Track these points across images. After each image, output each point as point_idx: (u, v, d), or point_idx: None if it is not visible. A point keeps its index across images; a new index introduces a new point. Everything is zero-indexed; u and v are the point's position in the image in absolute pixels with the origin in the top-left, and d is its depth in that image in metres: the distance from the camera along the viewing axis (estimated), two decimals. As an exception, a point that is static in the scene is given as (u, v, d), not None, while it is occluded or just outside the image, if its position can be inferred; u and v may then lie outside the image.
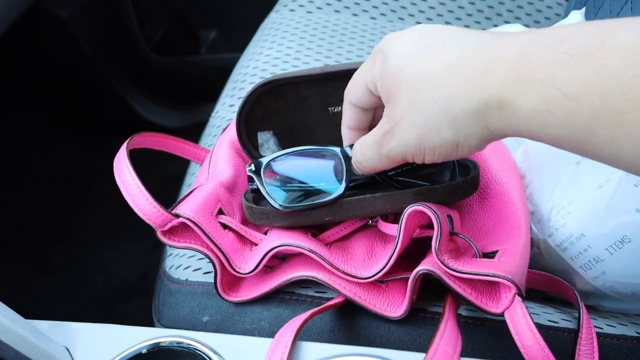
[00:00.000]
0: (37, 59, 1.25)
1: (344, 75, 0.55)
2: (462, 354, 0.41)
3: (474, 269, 0.43)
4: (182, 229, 0.49)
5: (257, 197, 0.54)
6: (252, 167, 0.49)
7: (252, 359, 0.43)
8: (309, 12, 0.91)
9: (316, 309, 0.47)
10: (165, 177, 1.03)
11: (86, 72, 1.27)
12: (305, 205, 0.49)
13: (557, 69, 0.32)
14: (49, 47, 1.23)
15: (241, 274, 0.49)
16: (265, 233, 0.52)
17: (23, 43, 1.19)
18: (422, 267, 0.44)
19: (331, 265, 0.47)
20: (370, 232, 0.52)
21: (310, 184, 0.50)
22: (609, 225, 0.50)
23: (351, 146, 0.47)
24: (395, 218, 0.51)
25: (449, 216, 0.47)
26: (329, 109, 0.58)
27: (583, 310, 0.48)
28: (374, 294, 0.49)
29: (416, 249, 0.49)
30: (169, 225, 0.47)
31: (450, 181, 0.50)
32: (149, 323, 0.57)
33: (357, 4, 0.92)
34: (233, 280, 0.52)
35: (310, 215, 0.49)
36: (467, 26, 0.91)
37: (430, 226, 0.46)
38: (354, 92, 0.45)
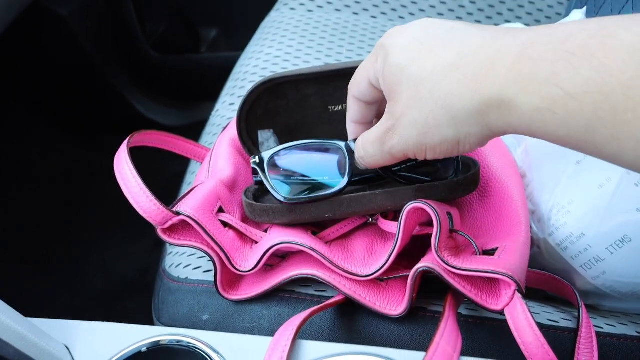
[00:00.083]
0: (37, 57, 1.25)
1: (344, 74, 0.55)
2: (462, 353, 0.41)
3: (474, 266, 0.43)
4: (182, 227, 0.49)
5: (257, 194, 0.54)
6: (257, 159, 0.50)
7: (252, 357, 0.43)
8: (309, 10, 0.91)
9: (316, 307, 0.47)
10: (165, 176, 1.03)
11: (86, 71, 1.27)
12: (307, 197, 0.49)
13: (558, 68, 0.32)
14: (49, 45, 1.23)
15: (241, 272, 0.49)
16: (266, 231, 0.52)
17: (23, 42, 1.19)
18: (422, 264, 0.44)
19: (331, 263, 0.47)
20: (371, 230, 0.52)
21: (314, 177, 0.51)
22: (610, 225, 0.50)
23: (355, 141, 0.47)
24: (395, 216, 0.51)
25: (449, 213, 0.47)
26: (330, 107, 0.58)
27: (583, 309, 0.48)
28: (374, 292, 0.49)
29: (416, 247, 0.49)
30: (170, 223, 0.47)
31: (451, 178, 0.50)
32: (149, 321, 0.57)
33: (357, 2, 0.92)
34: (233, 279, 0.52)
35: (311, 211, 0.49)
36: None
37: (430, 224, 0.46)
38: (358, 87, 0.45)
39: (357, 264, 0.49)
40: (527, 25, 0.76)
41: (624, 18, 0.31)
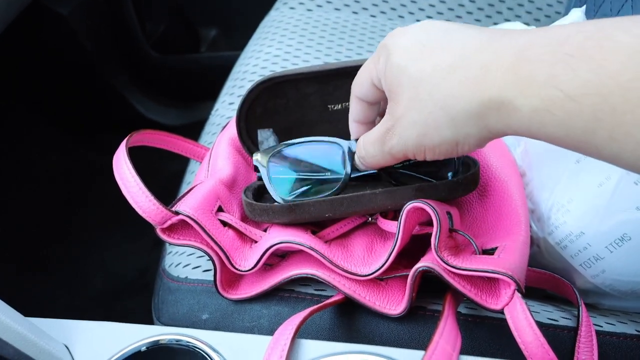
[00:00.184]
0: (37, 57, 1.25)
1: (344, 73, 0.55)
2: (462, 352, 0.42)
3: (474, 266, 0.43)
4: (181, 227, 0.49)
5: (257, 193, 0.54)
6: (259, 157, 0.51)
7: (252, 356, 0.43)
8: (309, 10, 0.91)
9: (316, 306, 0.47)
10: (165, 175, 1.03)
11: (86, 70, 1.27)
12: (307, 199, 0.49)
13: (557, 70, 0.32)
14: (49, 45, 1.22)
15: (241, 271, 0.49)
16: (265, 230, 0.52)
17: (23, 41, 1.19)
18: (422, 264, 0.44)
19: (331, 262, 0.47)
20: (370, 229, 0.52)
21: (314, 175, 0.51)
22: (609, 223, 0.50)
23: (356, 141, 0.48)
24: (395, 215, 0.51)
25: (449, 213, 0.47)
26: (329, 106, 0.58)
27: (582, 308, 0.48)
28: (374, 291, 0.49)
29: (416, 247, 0.49)
30: (169, 222, 0.47)
31: (451, 178, 0.50)
32: (149, 321, 0.57)
33: (357, 1, 0.92)
34: (232, 278, 0.52)
35: (311, 211, 0.49)
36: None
37: (429, 223, 0.46)
38: (360, 87, 0.46)
39: (357, 263, 0.49)
40: (526, 24, 0.76)
41: (622, 19, 0.32)
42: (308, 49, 0.83)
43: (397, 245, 0.46)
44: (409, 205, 0.45)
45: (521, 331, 0.41)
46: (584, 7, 0.60)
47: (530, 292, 0.53)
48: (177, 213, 0.47)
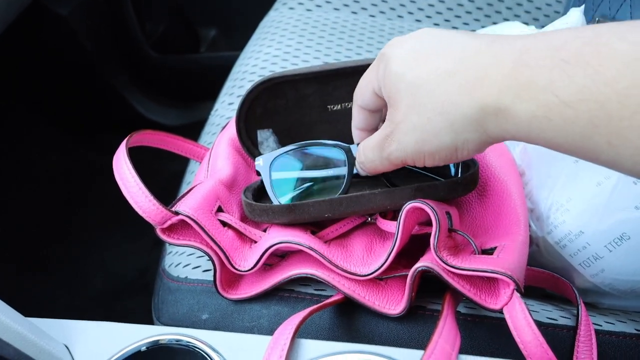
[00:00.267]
0: (37, 57, 1.25)
1: (343, 74, 0.55)
2: (461, 351, 0.42)
3: (473, 265, 0.43)
4: (181, 227, 0.49)
5: (256, 194, 0.54)
6: (260, 162, 0.51)
7: (252, 356, 0.43)
8: (308, 10, 0.91)
9: (315, 306, 0.47)
10: (164, 175, 1.03)
11: (86, 71, 1.27)
12: (307, 202, 0.49)
13: (554, 76, 0.32)
14: (49, 45, 1.23)
15: (241, 271, 0.49)
16: (265, 230, 0.52)
17: (23, 42, 1.19)
18: (421, 263, 0.44)
19: (330, 262, 0.48)
20: (370, 229, 0.53)
21: (316, 180, 0.52)
22: (608, 223, 0.50)
23: (358, 145, 0.48)
24: (394, 215, 0.51)
25: (448, 213, 0.47)
26: (328, 107, 0.58)
27: (582, 307, 0.48)
28: (373, 291, 0.49)
29: (415, 246, 0.49)
30: (169, 222, 0.47)
31: (450, 178, 0.50)
32: (149, 321, 0.57)
33: (356, 1, 0.92)
34: (232, 278, 0.52)
35: (310, 211, 0.49)
36: (466, 24, 0.91)
37: (429, 223, 0.46)
38: (362, 95, 0.46)
39: (356, 263, 0.49)
40: (525, 23, 0.76)
41: (619, 25, 0.32)
42: (307, 49, 0.83)
43: (396, 245, 0.46)
44: (408, 205, 0.45)
45: (520, 331, 0.41)
46: (583, 6, 0.60)
47: (530, 291, 0.53)
48: (176, 213, 0.47)
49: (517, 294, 0.42)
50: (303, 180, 0.53)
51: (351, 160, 0.49)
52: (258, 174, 0.52)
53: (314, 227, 0.52)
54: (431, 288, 0.50)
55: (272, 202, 0.51)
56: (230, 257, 0.49)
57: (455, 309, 0.46)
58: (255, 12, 1.05)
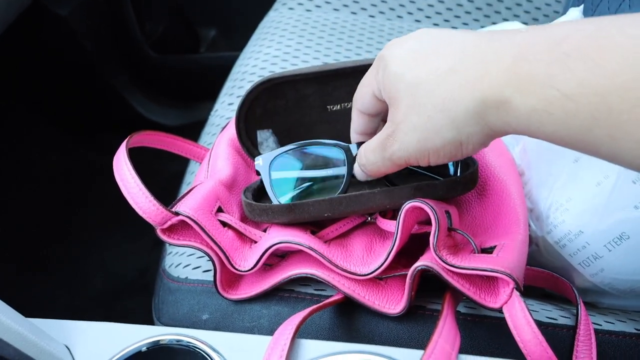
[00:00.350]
0: (37, 57, 1.25)
1: (343, 74, 0.55)
2: (461, 351, 0.42)
3: (472, 264, 0.43)
4: (181, 227, 0.49)
5: (256, 194, 0.54)
6: (260, 161, 0.51)
7: (252, 356, 0.43)
8: (307, 10, 0.91)
9: (315, 306, 0.47)
10: (164, 176, 1.03)
11: (86, 71, 1.27)
12: (307, 202, 0.49)
13: (555, 70, 0.32)
14: (49, 45, 1.23)
15: (241, 271, 0.49)
16: (265, 231, 0.52)
17: (23, 42, 1.19)
18: (421, 262, 0.44)
19: (330, 262, 0.48)
20: (369, 229, 0.53)
21: (316, 180, 0.52)
22: (608, 222, 0.50)
23: (358, 145, 0.48)
24: (394, 214, 0.51)
25: (447, 212, 0.47)
26: (328, 107, 0.58)
27: (581, 306, 0.48)
28: (373, 290, 0.49)
29: (415, 246, 0.49)
30: (169, 223, 0.48)
31: (450, 176, 0.50)
32: (149, 321, 0.57)
33: (355, 2, 0.92)
34: (232, 278, 0.52)
35: (310, 210, 0.49)
36: (465, 24, 0.91)
37: (428, 222, 0.46)
38: (362, 100, 0.46)
39: (356, 262, 0.49)
40: (525, 23, 0.76)
41: (620, 18, 0.32)
42: (307, 49, 0.83)
43: (395, 245, 0.46)
44: (407, 205, 0.45)
45: (520, 329, 0.41)
46: (582, 6, 0.60)
47: (529, 291, 0.53)
48: (177, 214, 0.47)
49: (516, 293, 0.42)
50: (303, 179, 0.53)
51: (350, 159, 0.50)
52: (258, 173, 0.52)
53: (314, 227, 0.52)
54: (431, 287, 0.50)
55: (271, 202, 0.51)
56: (231, 257, 0.49)
57: (455, 309, 0.46)
58: (255, 12, 1.04)
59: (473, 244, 0.46)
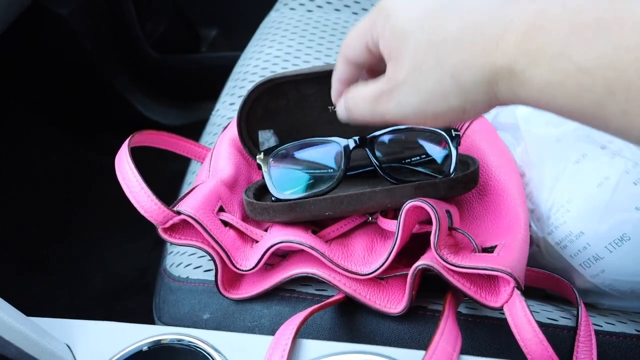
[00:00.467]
0: (37, 57, 1.25)
1: (344, 74, 0.55)
2: (462, 352, 0.42)
3: (473, 264, 0.43)
4: (183, 227, 0.49)
5: (257, 193, 0.54)
6: (261, 156, 0.52)
7: (253, 356, 0.43)
8: (309, 10, 0.91)
9: (316, 306, 0.48)
10: (166, 175, 1.03)
11: (86, 70, 1.27)
12: (304, 195, 0.50)
13: (572, 41, 0.31)
14: (49, 45, 1.23)
15: (242, 271, 0.49)
16: (266, 230, 0.52)
17: (23, 42, 1.19)
18: (422, 262, 0.44)
19: (331, 261, 0.48)
20: (370, 228, 0.53)
21: (314, 172, 0.53)
22: (609, 223, 0.50)
23: (355, 139, 0.48)
24: (395, 214, 0.51)
25: (448, 211, 0.47)
26: (330, 107, 0.58)
27: (582, 308, 0.49)
28: (374, 290, 0.49)
29: (416, 245, 0.49)
30: (170, 222, 0.48)
31: (450, 176, 0.50)
32: (150, 321, 0.57)
33: (357, 2, 0.92)
34: (233, 278, 0.52)
35: (311, 209, 0.49)
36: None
37: (429, 222, 0.46)
38: (352, 49, 0.43)
39: (357, 262, 0.49)
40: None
41: None
42: (308, 49, 0.83)
43: (396, 244, 0.46)
44: (408, 204, 0.45)
45: (520, 328, 0.41)
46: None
47: (530, 291, 0.53)
48: (178, 213, 0.47)
49: (517, 292, 0.42)
50: (303, 174, 0.53)
51: (348, 153, 0.50)
52: (259, 167, 0.52)
53: (315, 226, 0.52)
54: (432, 288, 0.50)
55: (272, 199, 0.51)
56: (232, 256, 0.49)
57: (456, 310, 0.46)
58: (256, 12, 1.04)
59: (474, 244, 0.46)
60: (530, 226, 0.54)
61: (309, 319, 0.47)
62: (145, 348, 0.44)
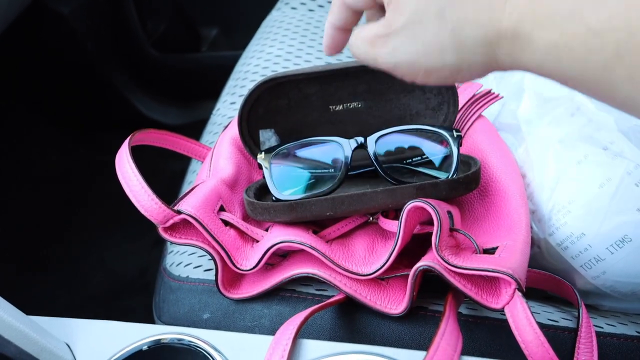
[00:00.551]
0: (37, 57, 1.25)
1: (345, 74, 0.55)
2: (462, 353, 0.42)
3: (474, 265, 0.43)
4: (183, 226, 0.49)
5: (258, 193, 0.54)
6: (262, 155, 0.52)
7: (253, 356, 0.43)
8: (310, 10, 0.91)
9: (317, 306, 0.47)
10: (167, 175, 1.03)
11: (86, 70, 1.27)
12: (305, 196, 0.50)
13: (583, 2, 0.30)
14: (49, 44, 1.23)
15: (242, 270, 0.49)
16: (267, 230, 0.52)
17: (23, 41, 1.19)
18: (423, 262, 0.44)
19: (332, 262, 0.48)
20: (371, 229, 0.53)
21: (315, 172, 0.52)
22: (610, 225, 0.50)
23: (358, 140, 0.49)
24: (396, 215, 0.51)
25: (449, 212, 0.47)
26: (330, 107, 0.58)
27: (583, 309, 0.48)
28: (375, 291, 0.49)
29: (417, 246, 0.49)
30: (171, 221, 0.47)
31: (452, 176, 0.50)
32: (150, 320, 0.57)
33: (358, 2, 0.92)
34: (234, 277, 0.52)
35: (312, 209, 0.49)
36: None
37: (430, 222, 0.46)
38: None
39: (358, 262, 0.49)
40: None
41: None
42: (310, 49, 0.83)
43: (397, 245, 0.46)
44: (409, 205, 0.45)
45: (521, 330, 0.41)
46: None
47: (531, 293, 0.53)
48: (179, 212, 0.47)
49: (518, 294, 0.42)
50: (304, 174, 0.53)
51: (348, 153, 0.50)
52: (260, 167, 0.52)
53: (316, 226, 0.52)
54: (433, 288, 0.50)
55: (273, 198, 0.51)
56: (232, 256, 0.49)
57: (457, 310, 0.46)
58: (257, 11, 1.04)
59: (475, 245, 0.46)
60: (531, 227, 0.54)
61: (309, 319, 0.47)
62: (145, 347, 0.44)
